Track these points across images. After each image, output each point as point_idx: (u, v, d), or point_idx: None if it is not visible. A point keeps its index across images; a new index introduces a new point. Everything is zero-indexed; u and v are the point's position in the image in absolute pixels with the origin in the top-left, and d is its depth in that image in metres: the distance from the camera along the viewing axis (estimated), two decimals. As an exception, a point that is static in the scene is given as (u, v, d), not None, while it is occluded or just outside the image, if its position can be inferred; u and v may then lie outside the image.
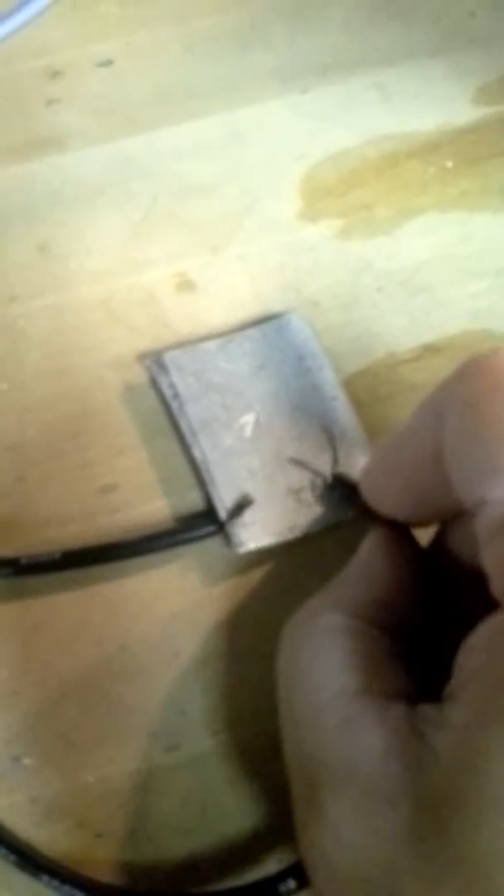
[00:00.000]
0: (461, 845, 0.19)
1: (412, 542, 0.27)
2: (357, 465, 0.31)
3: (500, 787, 0.18)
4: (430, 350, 0.33)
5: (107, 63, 0.41)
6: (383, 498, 0.27)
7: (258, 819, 0.27)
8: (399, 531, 0.27)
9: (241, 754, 0.27)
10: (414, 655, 0.25)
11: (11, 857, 0.26)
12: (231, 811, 0.27)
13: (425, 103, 0.39)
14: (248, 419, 0.32)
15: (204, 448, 0.31)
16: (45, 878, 0.25)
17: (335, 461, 0.31)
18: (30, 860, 0.26)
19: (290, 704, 0.24)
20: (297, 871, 0.25)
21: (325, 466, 0.31)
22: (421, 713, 0.21)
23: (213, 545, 0.30)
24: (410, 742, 0.21)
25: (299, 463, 0.31)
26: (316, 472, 0.31)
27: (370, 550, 0.27)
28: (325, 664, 0.24)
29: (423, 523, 0.27)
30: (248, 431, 0.32)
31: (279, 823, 0.27)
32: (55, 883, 0.25)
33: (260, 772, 0.27)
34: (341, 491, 0.30)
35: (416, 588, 0.26)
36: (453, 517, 0.26)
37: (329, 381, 0.32)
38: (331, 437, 0.31)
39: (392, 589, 0.26)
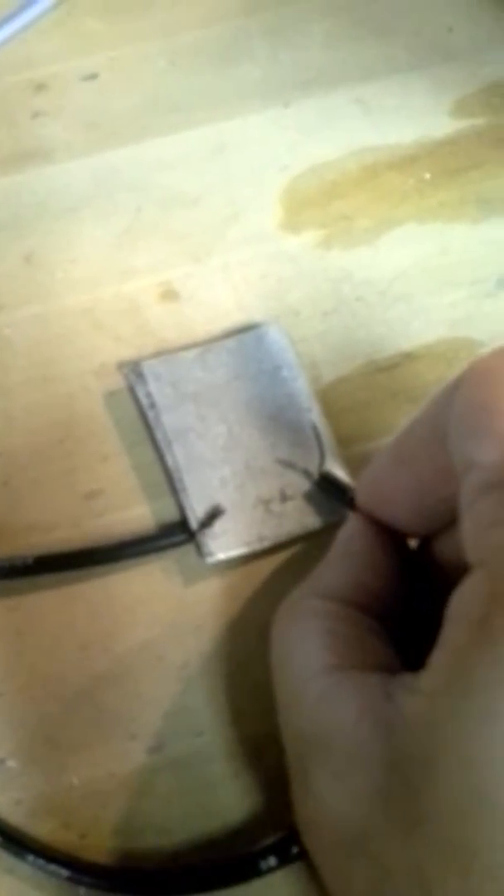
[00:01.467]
0: (428, 803, 0.20)
1: (390, 530, 0.27)
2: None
3: (463, 747, 0.19)
4: (408, 358, 0.34)
5: (92, 77, 0.41)
6: (382, 501, 0.27)
7: (242, 819, 0.27)
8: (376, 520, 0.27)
9: (224, 756, 0.28)
10: (400, 637, 0.25)
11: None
12: (215, 812, 0.27)
13: (405, 116, 0.39)
14: (222, 429, 0.32)
15: (177, 457, 0.32)
16: (31, 857, 0.26)
17: (322, 460, 0.31)
18: (14, 841, 0.26)
19: (279, 687, 0.25)
20: (279, 849, 0.25)
21: (295, 477, 0.31)
22: (397, 681, 0.22)
23: (193, 550, 0.31)
24: (382, 708, 0.22)
25: (288, 464, 0.31)
26: (304, 472, 0.31)
27: (347, 533, 0.28)
28: (305, 645, 0.25)
29: (419, 531, 0.28)
30: (222, 441, 0.32)
31: (263, 823, 0.27)
32: (40, 862, 0.25)
33: (243, 773, 0.28)
34: (328, 491, 0.31)
35: (397, 571, 0.27)
36: (445, 527, 0.26)
37: (304, 392, 0.33)
38: (318, 435, 0.32)
39: (370, 570, 0.27)
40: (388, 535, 0.27)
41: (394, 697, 0.22)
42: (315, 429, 0.32)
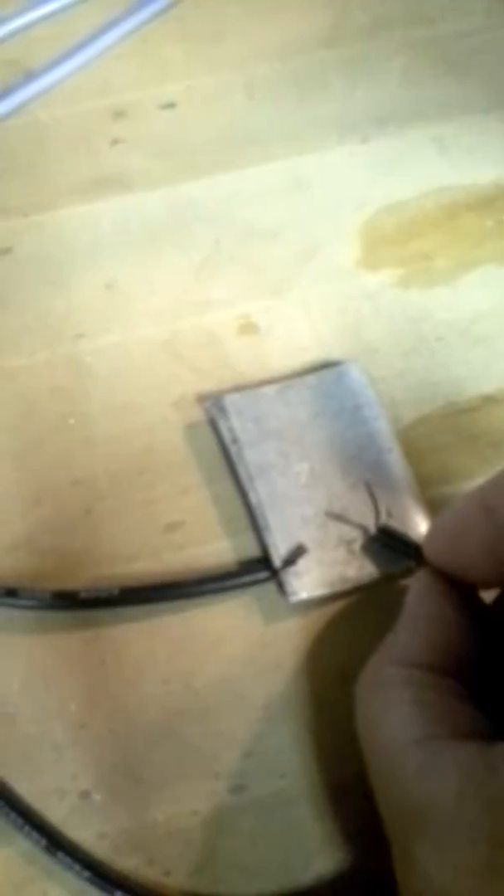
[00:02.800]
0: None
1: (460, 584, 0.27)
2: (409, 517, 0.31)
3: None
4: (489, 401, 0.34)
5: (169, 106, 0.42)
6: (459, 551, 0.26)
7: (326, 862, 0.27)
8: (444, 575, 0.27)
9: (307, 798, 0.28)
10: (486, 696, 0.25)
11: (85, 874, 0.26)
12: (298, 854, 0.27)
13: (482, 157, 0.40)
14: (304, 467, 0.32)
15: (260, 494, 0.32)
16: (119, 894, 0.26)
17: (377, 514, 0.31)
18: (102, 876, 0.26)
19: (372, 761, 0.25)
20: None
21: (371, 519, 0.31)
22: (498, 750, 0.22)
23: (272, 587, 0.31)
24: (485, 782, 0.21)
25: (339, 517, 0.31)
26: (358, 526, 0.31)
27: (416, 594, 0.27)
28: (394, 717, 0.24)
29: (496, 582, 0.27)
30: (304, 479, 0.32)
31: (348, 867, 0.27)
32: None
33: (327, 816, 0.28)
34: (388, 543, 0.31)
35: (472, 628, 0.26)
36: None
37: (385, 432, 0.33)
38: (371, 490, 0.32)
39: (445, 629, 0.26)
40: (459, 589, 0.27)
41: (497, 772, 0.21)
42: (368, 484, 0.32)
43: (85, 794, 0.28)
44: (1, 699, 0.29)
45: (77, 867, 0.26)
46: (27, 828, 0.27)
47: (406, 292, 0.37)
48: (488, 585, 0.27)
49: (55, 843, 0.27)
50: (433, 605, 0.27)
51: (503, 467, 0.26)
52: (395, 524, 0.31)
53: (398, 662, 0.25)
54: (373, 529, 0.31)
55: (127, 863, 0.27)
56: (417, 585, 0.27)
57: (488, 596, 0.28)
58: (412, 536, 0.30)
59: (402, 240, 0.38)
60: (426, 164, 0.40)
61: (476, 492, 0.26)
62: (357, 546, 0.31)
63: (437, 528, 0.27)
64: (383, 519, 0.31)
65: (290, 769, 0.28)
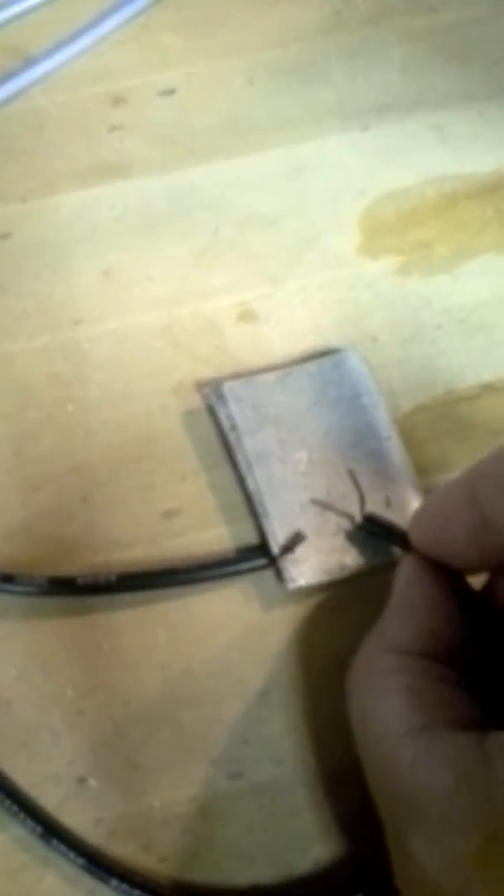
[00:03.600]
0: None
1: (447, 568, 0.27)
2: (407, 505, 0.31)
3: None
4: (489, 389, 0.34)
5: (169, 92, 0.42)
6: (445, 538, 0.26)
7: (323, 849, 0.27)
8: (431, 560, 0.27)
9: (304, 785, 0.28)
10: (479, 682, 0.25)
11: (80, 861, 0.26)
12: (295, 840, 0.27)
13: (483, 145, 0.40)
14: (303, 455, 0.32)
15: (259, 481, 0.32)
16: (114, 881, 0.26)
17: (362, 502, 0.31)
18: (97, 863, 0.26)
19: (365, 750, 0.25)
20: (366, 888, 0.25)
21: (374, 506, 0.31)
22: (491, 741, 0.22)
23: (270, 574, 0.31)
24: (479, 772, 0.21)
25: (325, 505, 0.31)
26: (343, 514, 0.31)
27: (405, 579, 0.27)
28: (388, 707, 0.24)
29: (482, 567, 0.27)
30: (302, 467, 0.32)
31: (344, 853, 0.27)
32: (124, 887, 0.25)
33: (324, 803, 0.28)
34: (373, 531, 0.30)
35: (462, 613, 0.26)
36: None
37: (383, 419, 0.33)
38: (355, 478, 0.32)
39: (436, 615, 0.26)
40: (447, 575, 0.27)
41: (492, 764, 0.21)
42: (352, 472, 0.32)
43: (81, 780, 0.28)
44: (-2, 685, 0.29)
45: (72, 854, 0.26)
46: (22, 815, 0.27)
47: (406, 280, 0.36)
48: (473, 571, 0.27)
49: (50, 830, 0.26)
50: (423, 590, 0.26)
51: (487, 454, 0.25)
52: (393, 512, 0.31)
53: (390, 650, 0.25)
54: (359, 517, 0.30)
55: (123, 849, 0.27)
56: (405, 571, 0.27)
57: (476, 581, 0.27)
58: (404, 524, 0.30)
59: (402, 228, 0.38)
60: (426, 153, 0.39)
61: (460, 478, 0.26)
62: (354, 534, 0.31)
63: (421, 514, 0.27)
64: (381, 507, 0.31)
65: (288, 756, 0.28)
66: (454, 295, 0.36)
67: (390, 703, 0.24)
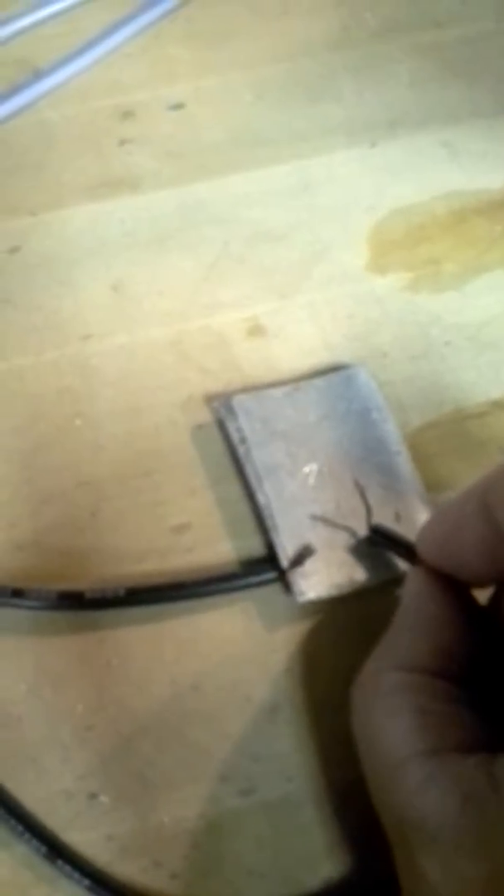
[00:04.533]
0: None
1: (454, 583, 0.27)
2: (416, 520, 0.31)
3: None
4: (498, 406, 0.34)
5: (178, 106, 0.42)
6: (454, 550, 0.26)
7: (333, 865, 0.27)
8: (439, 574, 0.27)
9: (314, 802, 0.28)
10: (486, 699, 0.25)
11: (85, 882, 0.26)
12: (305, 857, 0.27)
13: (492, 162, 0.40)
14: (312, 468, 0.32)
15: (268, 494, 0.32)
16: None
17: (369, 515, 0.31)
18: (102, 884, 0.26)
19: (370, 767, 0.24)
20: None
21: (384, 520, 0.31)
22: (500, 765, 0.22)
23: (277, 590, 0.31)
24: (487, 797, 0.21)
25: (325, 521, 0.31)
26: (346, 529, 0.31)
27: (413, 595, 0.27)
28: (395, 727, 0.24)
29: (491, 581, 0.27)
30: (312, 480, 0.32)
31: (353, 870, 0.27)
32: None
33: (333, 819, 0.28)
34: (381, 543, 0.31)
35: (470, 629, 0.26)
36: None
37: (393, 435, 0.33)
38: (362, 491, 0.32)
39: (446, 632, 0.26)
40: (455, 589, 0.27)
41: (500, 788, 0.21)
42: (359, 484, 0.32)
43: (92, 796, 0.28)
44: (8, 701, 0.29)
45: (77, 875, 0.26)
46: (27, 835, 0.27)
47: (415, 296, 0.37)
48: (483, 584, 0.27)
49: (55, 850, 0.26)
50: (432, 605, 0.26)
51: (498, 465, 0.25)
52: (402, 527, 0.31)
53: (398, 667, 0.25)
54: (363, 531, 0.31)
55: (133, 865, 0.27)
56: (413, 585, 0.27)
57: (482, 596, 0.27)
58: (413, 538, 0.30)
59: (411, 244, 0.38)
60: (435, 169, 0.40)
61: (471, 488, 0.25)
62: (364, 549, 0.31)
63: (431, 525, 0.27)
64: (390, 521, 0.31)
65: (298, 772, 0.28)
66: (463, 311, 0.36)
67: (398, 723, 0.24)
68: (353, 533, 0.31)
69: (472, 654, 0.26)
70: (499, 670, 0.26)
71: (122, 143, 0.41)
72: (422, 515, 0.31)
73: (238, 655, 0.30)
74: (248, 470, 0.32)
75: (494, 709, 0.25)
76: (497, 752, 0.22)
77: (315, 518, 0.31)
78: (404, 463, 0.32)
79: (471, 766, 0.22)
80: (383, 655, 0.26)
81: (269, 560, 0.31)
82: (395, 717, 0.24)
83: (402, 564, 0.30)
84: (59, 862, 0.26)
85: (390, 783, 0.23)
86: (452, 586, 0.26)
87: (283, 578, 0.30)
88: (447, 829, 0.22)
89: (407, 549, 0.29)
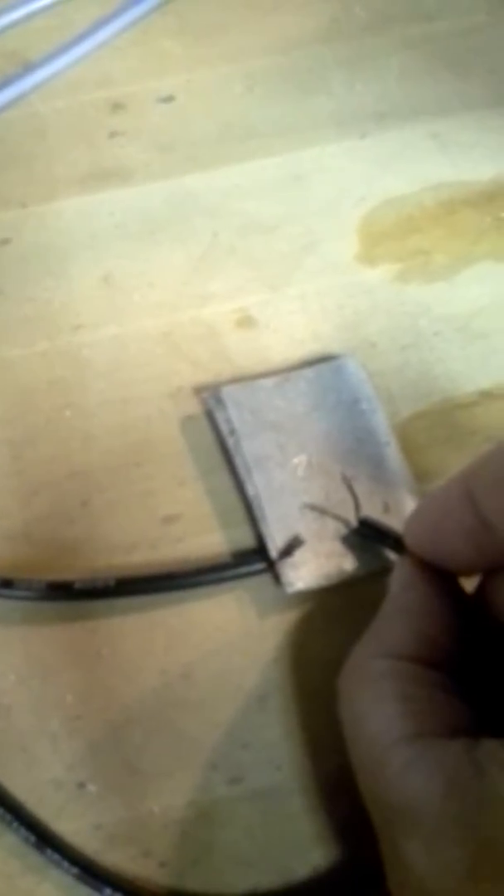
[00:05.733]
0: None
1: (441, 572, 0.27)
2: (405, 511, 0.31)
3: None
4: (487, 396, 0.34)
5: (168, 99, 0.42)
6: (440, 539, 0.26)
7: (322, 853, 0.27)
8: (426, 563, 0.27)
9: (302, 790, 0.28)
10: (470, 687, 0.25)
11: (73, 871, 0.26)
12: (294, 846, 0.27)
13: (481, 153, 0.40)
14: (302, 459, 0.32)
15: (257, 485, 0.32)
16: (108, 891, 0.26)
17: (357, 506, 0.31)
18: (91, 873, 0.26)
19: (355, 753, 0.25)
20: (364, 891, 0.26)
21: (372, 511, 0.31)
22: (483, 749, 0.22)
23: (267, 580, 0.31)
24: (471, 781, 0.22)
25: (319, 509, 0.31)
26: (338, 518, 0.31)
27: (401, 582, 0.27)
28: (379, 713, 0.24)
29: (477, 569, 0.27)
30: (301, 471, 0.32)
31: (342, 858, 0.27)
32: (118, 896, 0.26)
33: (321, 807, 0.28)
34: (368, 534, 0.31)
35: (456, 618, 0.26)
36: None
37: (382, 425, 0.33)
38: (349, 483, 0.32)
39: (432, 621, 0.26)
40: (442, 578, 0.27)
41: (483, 773, 0.21)
42: (346, 477, 0.32)
43: (81, 785, 0.28)
44: (-3, 689, 0.29)
45: (65, 864, 0.26)
46: (16, 824, 0.27)
47: (404, 287, 0.37)
48: (468, 573, 0.27)
49: (43, 839, 0.26)
50: (418, 594, 0.26)
51: (482, 453, 0.25)
52: (391, 517, 0.31)
53: (384, 654, 0.25)
54: (352, 522, 0.31)
55: (123, 854, 0.27)
56: (400, 574, 0.27)
57: (468, 585, 0.27)
58: (401, 529, 0.30)
59: (401, 235, 0.38)
60: (425, 160, 0.40)
61: (456, 477, 0.25)
62: (353, 539, 0.31)
63: (417, 514, 0.27)
64: (379, 512, 0.31)
65: (287, 761, 0.28)
66: (452, 302, 0.36)
67: (383, 709, 0.24)
68: (341, 523, 0.31)
69: (457, 643, 0.26)
70: (483, 658, 0.26)
71: (113, 135, 0.41)
72: (410, 506, 0.31)
73: (228, 645, 0.30)
74: (238, 461, 0.32)
75: (479, 696, 0.25)
76: (480, 737, 0.22)
77: (308, 507, 0.31)
78: (393, 453, 0.32)
79: (454, 750, 0.22)
80: (370, 643, 0.26)
81: (258, 551, 0.31)
82: (380, 704, 0.24)
83: (390, 554, 0.30)
84: (48, 851, 0.26)
85: (375, 769, 0.23)
86: (439, 575, 0.27)
87: (272, 569, 0.31)
88: (430, 814, 0.22)
89: (394, 541, 0.29)
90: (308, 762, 0.28)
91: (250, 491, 0.32)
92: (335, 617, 0.30)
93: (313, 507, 0.31)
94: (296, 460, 0.32)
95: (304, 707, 0.29)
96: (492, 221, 0.38)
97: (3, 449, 0.33)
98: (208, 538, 0.32)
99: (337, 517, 0.31)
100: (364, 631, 0.27)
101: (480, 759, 0.22)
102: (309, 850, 0.27)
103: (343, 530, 0.31)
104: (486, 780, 0.21)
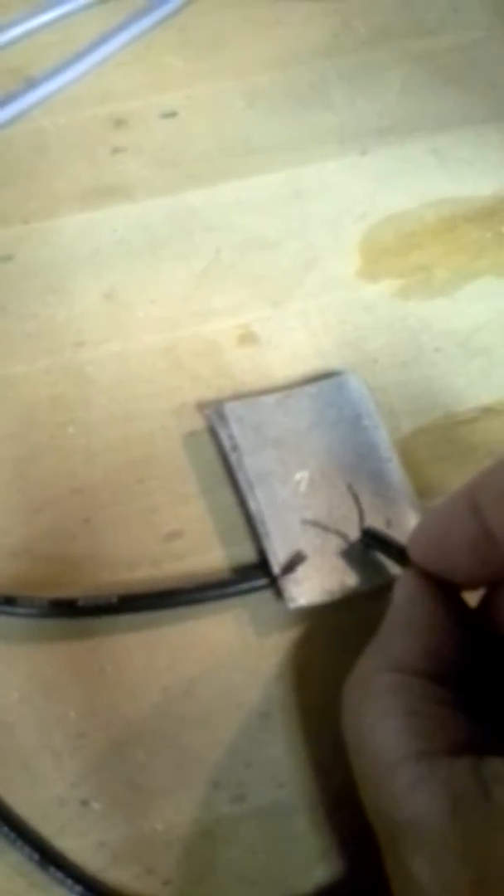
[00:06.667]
0: None
1: (445, 585, 0.27)
2: (407, 526, 0.31)
3: None
4: (488, 412, 0.34)
5: (170, 115, 0.42)
6: (444, 551, 0.26)
7: (324, 871, 0.27)
8: (430, 576, 0.27)
9: (306, 808, 0.28)
10: (475, 702, 0.25)
11: (77, 889, 0.26)
12: (297, 863, 0.27)
13: (481, 169, 0.40)
14: (304, 475, 0.33)
15: (260, 501, 0.32)
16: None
17: (361, 518, 0.31)
18: (95, 891, 0.26)
19: (360, 768, 0.25)
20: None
21: (376, 526, 0.32)
22: (488, 767, 0.22)
23: (269, 596, 0.31)
24: (477, 800, 0.22)
25: (317, 524, 0.31)
26: (338, 535, 0.31)
27: (405, 595, 0.27)
28: (385, 728, 0.24)
29: (481, 582, 0.27)
30: (303, 487, 0.32)
31: (345, 876, 0.27)
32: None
33: (325, 825, 0.28)
34: (372, 545, 0.31)
35: (460, 632, 0.26)
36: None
37: (384, 441, 0.33)
38: (354, 493, 0.32)
39: (437, 634, 0.26)
40: (445, 592, 0.27)
41: (490, 791, 0.22)
42: (351, 487, 0.32)
43: (84, 803, 0.28)
44: (0, 708, 0.29)
45: (69, 882, 0.26)
46: (19, 842, 0.27)
47: (405, 303, 0.37)
48: (473, 586, 0.27)
49: (47, 857, 0.27)
50: (422, 607, 0.26)
51: (488, 465, 0.25)
52: (393, 533, 0.31)
53: (390, 668, 0.25)
54: (354, 537, 0.31)
55: (126, 872, 0.27)
56: (405, 587, 0.27)
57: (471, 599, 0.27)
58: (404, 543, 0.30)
59: (402, 251, 0.38)
60: (425, 176, 0.40)
61: (462, 489, 0.25)
62: (356, 554, 0.31)
63: (422, 526, 0.27)
64: (381, 528, 0.31)
65: (290, 778, 0.28)
66: (453, 318, 0.36)
67: (389, 724, 0.24)
68: (344, 538, 0.31)
69: (461, 657, 0.26)
70: (488, 672, 0.26)
71: (115, 151, 0.41)
72: (412, 521, 0.31)
73: (230, 662, 0.30)
74: (240, 477, 0.32)
75: (484, 711, 0.25)
76: (485, 753, 0.23)
77: (306, 523, 0.31)
78: (395, 469, 0.33)
79: (460, 768, 0.22)
80: (374, 657, 0.26)
81: (260, 567, 0.31)
82: (385, 719, 0.24)
83: (393, 569, 0.30)
84: (52, 869, 0.26)
85: (380, 785, 0.23)
86: (443, 589, 0.27)
87: (274, 585, 0.31)
88: (436, 832, 0.22)
89: (398, 552, 0.29)
90: (311, 779, 0.28)
91: (252, 507, 0.32)
92: (337, 633, 0.30)
93: (314, 524, 0.31)
94: (298, 476, 0.32)
95: (306, 724, 0.29)
96: (492, 237, 0.38)
97: (6, 465, 0.33)
98: (211, 555, 0.32)
99: (336, 532, 0.31)
100: (367, 646, 0.27)
101: (486, 778, 0.22)
102: (312, 867, 0.27)
103: (345, 546, 0.31)
104: (491, 798, 0.21)
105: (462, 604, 0.27)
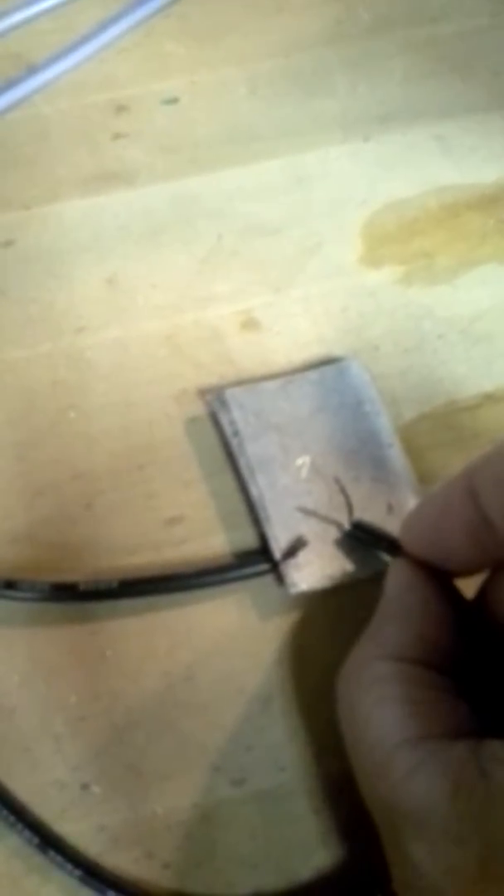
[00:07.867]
0: None
1: (436, 572, 0.27)
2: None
3: None
4: (490, 399, 0.34)
5: (172, 101, 0.42)
6: (439, 538, 0.26)
7: (324, 855, 0.27)
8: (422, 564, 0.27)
9: (306, 791, 0.28)
10: (471, 688, 0.25)
11: (77, 873, 0.26)
12: (298, 847, 0.27)
13: (484, 156, 0.40)
14: (305, 460, 0.33)
15: (261, 486, 0.32)
16: (111, 893, 0.26)
17: (350, 509, 0.31)
18: (94, 875, 0.26)
19: (357, 756, 0.25)
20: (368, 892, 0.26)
21: (376, 512, 0.31)
22: (487, 750, 0.22)
23: (269, 582, 0.31)
24: (477, 782, 0.22)
25: (311, 513, 0.31)
26: (331, 521, 0.31)
27: (398, 584, 0.27)
28: (382, 716, 0.24)
29: (475, 568, 0.27)
30: (305, 473, 0.32)
31: (345, 860, 0.27)
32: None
33: (324, 809, 0.28)
34: (362, 538, 0.31)
35: (455, 619, 0.26)
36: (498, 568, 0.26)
37: (385, 427, 0.33)
38: (342, 486, 0.32)
39: (432, 622, 0.26)
40: (439, 580, 0.27)
41: (489, 774, 0.21)
42: (338, 480, 0.32)
43: (85, 787, 0.28)
44: (1, 692, 0.29)
45: (69, 866, 0.26)
46: (19, 825, 0.27)
47: (408, 290, 0.37)
48: (467, 572, 0.27)
49: (47, 840, 0.27)
50: (418, 595, 0.26)
51: (484, 450, 0.25)
52: (395, 519, 0.31)
53: (385, 656, 0.25)
54: (346, 525, 0.31)
55: (126, 855, 0.27)
56: (398, 576, 0.27)
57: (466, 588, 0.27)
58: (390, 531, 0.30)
59: (404, 238, 0.38)
60: (428, 163, 0.40)
61: (458, 475, 0.25)
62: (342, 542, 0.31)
63: (416, 513, 0.27)
64: (382, 514, 0.31)
65: (290, 762, 0.28)
66: (455, 305, 0.36)
67: (385, 711, 0.24)
68: (341, 526, 0.31)
69: (456, 644, 0.26)
70: (482, 659, 0.26)
71: (116, 137, 0.41)
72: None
73: (231, 646, 0.30)
74: (241, 462, 0.32)
75: (478, 697, 0.25)
76: (483, 738, 0.22)
77: (303, 511, 0.31)
78: (397, 456, 0.33)
79: (458, 752, 0.22)
80: (369, 646, 0.26)
81: (261, 552, 0.31)
82: (381, 707, 0.24)
83: (385, 557, 0.30)
84: (51, 852, 0.26)
85: (379, 772, 0.23)
86: (435, 576, 0.27)
87: (275, 570, 0.31)
88: (436, 816, 0.22)
89: (389, 544, 0.29)
90: (311, 763, 0.28)
91: (254, 492, 0.32)
92: (337, 618, 0.30)
93: (306, 511, 0.31)
94: (299, 462, 0.32)
95: (306, 708, 0.29)
96: (495, 224, 0.38)
97: (7, 451, 0.33)
98: (212, 540, 0.32)
99: (332, 520, 0.31)
100: (359, 636, 0.27)
101: (485, 760, 0.22)
102: (312, 851, 0.27)
103: (337, 533, 0.31)
104: (491, 780, 0.21)
105: (455, 591, 0.27)
